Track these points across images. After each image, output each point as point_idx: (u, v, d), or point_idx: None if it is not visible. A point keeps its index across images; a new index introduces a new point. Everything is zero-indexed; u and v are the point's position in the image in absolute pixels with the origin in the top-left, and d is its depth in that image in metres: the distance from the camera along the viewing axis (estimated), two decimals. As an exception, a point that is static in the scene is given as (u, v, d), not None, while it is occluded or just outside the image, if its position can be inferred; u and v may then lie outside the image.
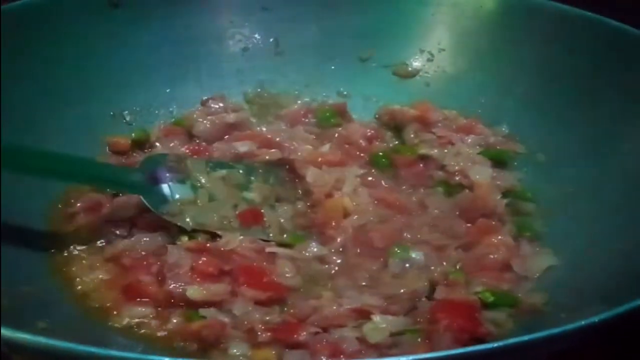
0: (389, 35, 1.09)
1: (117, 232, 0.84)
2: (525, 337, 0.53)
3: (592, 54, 0.96)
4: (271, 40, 1.11)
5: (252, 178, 0.91)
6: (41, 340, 0.52)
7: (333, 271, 0.83)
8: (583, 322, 0.56)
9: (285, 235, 0.86)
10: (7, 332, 0.55)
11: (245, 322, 0.73)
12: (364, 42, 1.10)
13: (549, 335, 0.54)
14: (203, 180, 0.88)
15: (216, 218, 0.85)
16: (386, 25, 1.09)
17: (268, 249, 0.82)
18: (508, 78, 1.03)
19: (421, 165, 0.96)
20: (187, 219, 0.83)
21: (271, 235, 0.86)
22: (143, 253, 0.81)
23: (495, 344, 0.53)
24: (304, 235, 0.86)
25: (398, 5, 1.09)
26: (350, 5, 1.10)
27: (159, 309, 0.76)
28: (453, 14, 1.08)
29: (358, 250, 0.85)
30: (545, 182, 0.94)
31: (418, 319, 0.74)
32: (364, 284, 0.81)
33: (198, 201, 0.86)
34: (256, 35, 1.11)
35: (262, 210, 0.88)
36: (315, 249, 0.84)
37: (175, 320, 0.75)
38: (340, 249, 0.85)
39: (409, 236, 0.86)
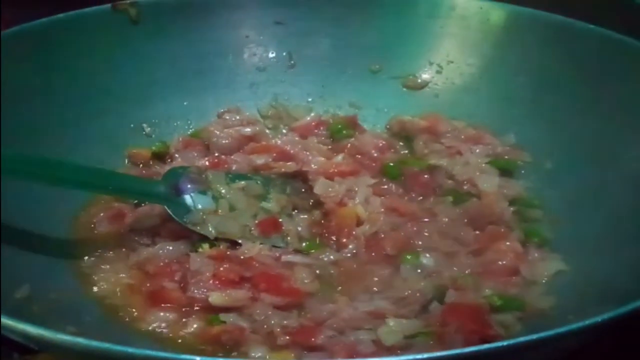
0: (398, 48, 1.13)
1: (141, 240, 0.87)
2: (534, 336, 0.55)
3: (597, 65, 0.99)
4: (285, 53, 1.14)
5: (270, 189, 0.94)
6: (81, 341, 0.55)
7: (347, 277, 0.86)
8: (592, 321, 0.58)
9: (303, 244, 0.89)
10: (46, 333, 0.58)
11: (265, 326, 0.76)
12: (375, 55, 1.13)
13: (558, 333, 0.57)
14: (223, 191, 0.91)
15: (237, 227, 0.88)
16: (396, 39, 1.12)
17: (284, 258, 0.86)
18: (515, 88, 1.06)
19: (430, 175, 0.99)
20: (210, 228, 0.87)
21: (290, 242, 0.89)
22: (166, 261, 0.84)
23: (505, 343, 0.55)
24: (320, 242, 0.90)
25: (407, 19, 1.12)
26: (361, 20, 1.13)
27: (182, 313, 0.79)
28: (461, 26, 1.11)
29: (370, 257, 0.88)
30: (552, 189, 0.96)
31: (430, 322, 0.77)
32: (375, 289, 0.83)
33: (219, 211, 0.89)
34: (270, 49, 1.14)
35: (280, 220, 0.91)
36: (331, 256, 0.87)
37: (196, 325, 0.78)
38: (353, 256, 0.88)
39: (419, 243, 0.89)
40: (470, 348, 0.56)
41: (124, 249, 0.86)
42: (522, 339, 0.56)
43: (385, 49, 1.13)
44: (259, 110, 1.13)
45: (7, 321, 0.59)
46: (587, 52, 1.00)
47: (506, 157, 1.02)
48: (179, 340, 0.76)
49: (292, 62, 1.15)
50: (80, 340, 0.56)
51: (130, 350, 0.55)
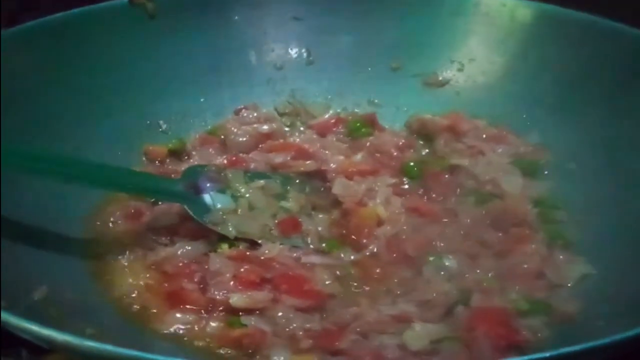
0: (419, 45, 1.11)
1: (159, 240, 0.86)
2: (578, 347, 0.54)
3: (622, 65, 0.97)
4: (303, 50, 1.13)
5: (289, 188, 0.93)
6: (105, 347, 0.54)
7: (368, 278, 0.84)
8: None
9: (323, 244, 0.88)
10: (69, 338, 0.57)
11: (287, 329, 0.75)
12: (395, 52, 1.11)
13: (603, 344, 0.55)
14: (242, 190, 0.89)
15: (257, 227, 0.87)
16: (417, 36, 1.10)
17: (304, 259, 0.84)
18: (538, 88, 1.04)
19: (451, 175, 0.97)
20: (230, 228, 0.85)
21: (309, 243, 0.87)
22: (185, 261, 0.83)
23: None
24: (340, 243, 0.88)
25: (429, 16, 1.11)
26: (381, 16, 1.11)
27: (202, 315, 0.77)
28: (484, 24, 1.09)
29: (391, 258, 0.86)
30: (576, 191, 0.94)
31: (456, 326, 0.75)
32: (397, 291, 0.82)
33: (239, 210, 0.87)
34: (288, 45, 1.13)
35: (300, 219, 0.89)
36: (351, 256, 0.86)
37: (216, 327, 0.76)
38: (374, 256, 0.86)
39: (441, 245, 0.87)
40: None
41: (142, 249, 0.85)
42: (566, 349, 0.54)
43: (405, 46, 1.11)
44: (277, 108, 1.11)
45: (22, 323, 0.59)
46: (614, 51, 0.98)
47: (529, 157, 1.00)
48: (199, 343, 0.75)
49: (311, 58, 1.13)
50: (95, 344, 0.55)
51: (146, 355, 0.53)
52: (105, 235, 0.87)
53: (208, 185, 0.88)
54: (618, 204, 0.89)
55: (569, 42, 1.03)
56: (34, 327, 0.58)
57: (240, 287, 0.78)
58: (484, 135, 1.03)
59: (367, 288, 0.83)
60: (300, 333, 0.74)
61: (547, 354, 0.54)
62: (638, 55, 0.96)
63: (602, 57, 0.99)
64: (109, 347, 0.56)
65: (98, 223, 0.88)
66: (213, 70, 1.08)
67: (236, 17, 1.10)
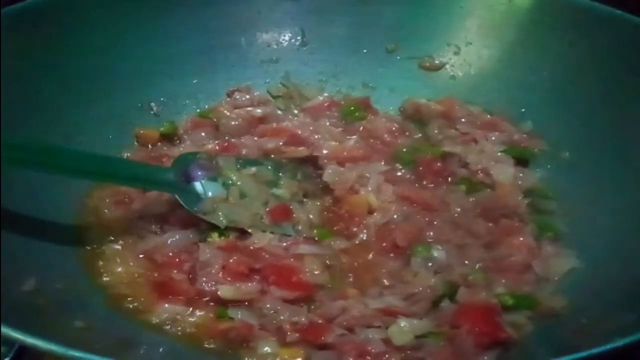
0: (416, 27, 1.09)
1: (149, 228, 0.86)
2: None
3: (620, 53, 0.96)
4: (297, 31, 1.11)
5: (281, 174, 0.93)
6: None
7: (357, 267, 0.84)
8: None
9: (314, 231, 0.88)
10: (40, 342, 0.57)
11: (274, 322, 0.76)
12: (391, 34, 1.10)
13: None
14: (234, 178, 0.89)
15: (248, 215, 0.87)
16: (413, 18, 1.09)
17: (294, 248, 0.84)
18: (534, 74, 1.03)
19: (444, 162, 0.97)
20: (221, 217, 0.85)
21: (300, 230, 0.88)
22: (175, 250, 0.83)
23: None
24: (331, 230, 0.88)
25: (426, -2, 1.09)
26: (377, -3, 1.10)
27: (190, 305, 0.78)
28: (482, 7, 1.08)
29: (381, 247, 0.86)
30: (569, 180, 0.94)
31: (441, 322, 0.76)
32: (385, 282, 0.82)
33: (230, 199, 0.87)
34: (282, 26, 1.11)
35: (291, 207, 0.89)
36: (341, 244, 0.86)
37: (204, 318, 0.77)
38: (364, 245, 0.87)
39: (430, 234, 0.88)
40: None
41: (131, 237, 0.85)
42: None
43: (401, 28, 1.09)
44: (270, 90, 1.10)
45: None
46: (611, 38, 0.97)
47: (522, 145, 1.00)
48: (186, 334, 0.75)
49: (305, 40, 1.11)
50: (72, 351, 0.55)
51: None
52: (94, 222, 0.87)
53: (199, 173, 0.88)
54: (610, 195, 0.89)
55: (567, 28, 1.01)
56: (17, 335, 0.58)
57: (229, 278, 0.79)
58: (478, 122, 1.03)
59: (355, 277, 0.83)
60: (287, 326, 0.75)
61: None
62: (637, 43, 0.94)
63: (600, 45, 0.98)
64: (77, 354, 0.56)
65: (87, 210, 0.88)
66: (206, 51, 1.07)
67: (230, -3, 1.08)
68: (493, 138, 1.00)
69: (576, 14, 1.00)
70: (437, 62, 1.10)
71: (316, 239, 0.87)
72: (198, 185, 0.87)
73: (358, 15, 1.10)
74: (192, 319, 0.77)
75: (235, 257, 0.81)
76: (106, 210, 0.88)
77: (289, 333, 0.74)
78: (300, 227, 0.89)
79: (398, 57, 1.10)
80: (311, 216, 0.90)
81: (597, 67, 0.97)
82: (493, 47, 1.07)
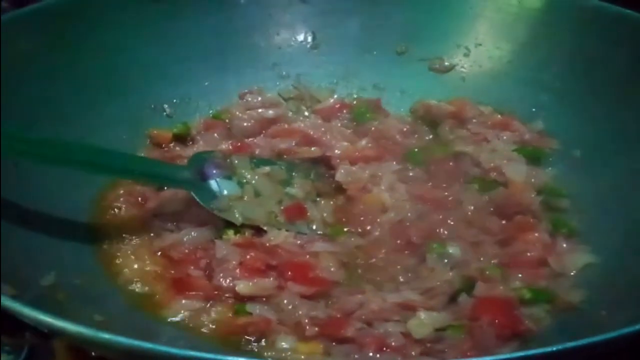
0: (426, 29, 1.10)
1: (165, 226, 0.86)
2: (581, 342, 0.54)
3: (631, 51, 0.96)
4: (309, 33, 1.12)
5: (294, 174, 0.93)
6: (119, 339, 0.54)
7: (372, 265, 0.84)
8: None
9: (328, 230, 0.88)
10: (74, 327, 0.57)
11: (292, 317, 0.76)
12: (401, 36, 1.11)
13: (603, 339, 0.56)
14: (248, 177, 0.90)
15: (263, 213, 0.87)
16: (423, 19, 1.10)
17: (309, 246, 0.84)
18: (545, 74, 1.03)
19: (456, 162, 0.97)
20: (237, 214, 0.85)
21: (315, 229, 0.88)
22: (191, 247, 0.83)
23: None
24: (345, 229, 0.88)
25: (436, 0, 1.10)
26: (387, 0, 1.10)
27: (207, 302, 0.78)
28: (492, 8, 1.08)
29: (395, 244, 0.86)
30: (581, 178, 0.94)
31: (459, 315, 0.76)
32: (401, 278, 0.82)
33: (245, 197, 0.88)
34: (294, 28, 1.12)
35: (305, 206, 0.90)
36: (356, 243, 0.86)
37: (222, 314, 0.76)
38: (378, 243, 0.87)
39: (445, 232, 0.87)
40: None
41: (147, 235, 0.85)
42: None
43: (412, 30, 1.10)
44: (281, 92, 1.10)
45: (29, 311, 0.59)
46: (621, 37, 0.97)
47: (534, 144, 1.00)
48: (204, 330, 0.75)
49: (316, 41, 1.12)
50: (104, 334, 0.55)
51: (152, 346, 0.54)
52: (111, 220, 0.87)
53: (214, 171, 0.88)
54: (623, 192, 0.89)
55: (577, 28, 1.02)
56: (39, 315, 0.58)
57: (246, 274, 0.78)
58: (489, 122, 1.03)
59: (371, 275, 0.83)
60: (306, 320, 0.75)
61: (552, 349, 0.54)
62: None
63: (610, 45, 0.98)
64: (108, 337, 0.56)
65: (103, 208, 0.88)
66: (218, 53, 1.07)
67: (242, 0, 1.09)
68: (504, 138, 1.00)
69: (585, 14, 1.01)
70: (447, 63, 1.11)
71: (330, 237, 0.87)
72: (213, 183, 0.88)
73: (368, 17, 1.11)
74: (211, 315, 0.76)
75: (252, 254, 0.81)
76: (122, 209, 0.88)
77: (307, 327, 0.74)
78: (314, 226, 0.89)
79: (408, 59, 1.11)
80: (325, 215, 0.90)
81: (606, 67, 0.98)
82: (503, 48, 1.08)
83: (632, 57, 0.96)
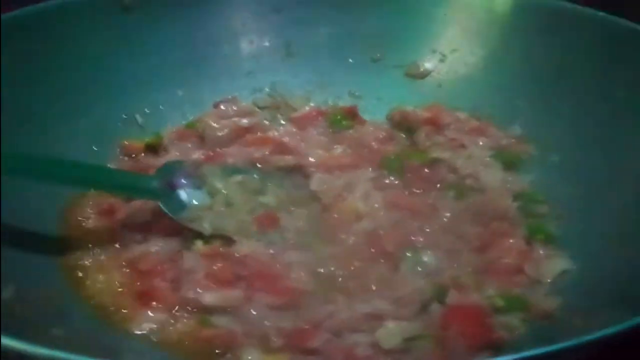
0: (401, 35, 1.09)
1: (133, 237, 0.84)
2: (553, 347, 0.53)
3: (605, 54, 0.96)
4: (283, 41, 1.11)
5: (268, 183, 0.92)
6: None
7: (345, 274, 0.83)
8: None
9: (301, 239, 0.86)
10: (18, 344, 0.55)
11: (259, 328, 0.74)
12: (376, 43, 1.10)
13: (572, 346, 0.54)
14: (220, 186, 0.88)
15: (234, 223, 0.86)
16: (398, 26, 1.09)
17: (281, 255, 0.83)
18: (520, 79, 1.02)
19: (432, 168, 0.96)
20: (205, 225, 0.84)
21: (287, 238, 0.86)
22: (158, 258, 0.81)
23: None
24: (318, 238, 0.87)
25: (410, 6, 1.09)
26: (361, 6, 1.10)
27: (173, 314, 0.76)
28: (465, 14, 1.08)
29: (370, 253, 0.85)
30: (559, 183, 0.93)
31: (430, 324, 0.75)
32: (374, 287, 0.81)
33: (215, 206, 0.86)
34: (268, 37, 1.11)
35: (278, 215, 0.88)
36: (328, 251, 0.84)
37: (188, 326, 0.75)
38: (352, 252, 0.85)
39: (420, 240, 0.86)
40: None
41: (114, 246, 0.84)
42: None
43: (386, 37, 1.09)
44: (256, 101, 1.09)
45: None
46: (596, 40, 0.97)
47: (511, 149, 0.99)
48: (171, 343, 0.74)
49: (291, 50, 1.11)
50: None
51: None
52: (77, 231, 0.86)
53: (184, 181, 0.87)
54: (601, 197, 0.88)
55: (550, 32, 1.01)
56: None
57: (213, 285, 0.77)
58: (466, 128, 1.02)
59: (344, 284, 0.81)
60: (273, 332, 0.73)
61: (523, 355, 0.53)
62: (621, 44, 0.94)
63: (584, 47, 0.97)
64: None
65: (70, 219, 0.87)
66: (191, 63, 1.07)
67: (214, 9, 1.08)
68: (481, 143, 0.99)
69: (557, 16, 1.01)
70: (422, 69, 1.10)
71: (303, 246, 0.86)
72: (182, 193, 0.86)
73: (342, 25, 1.10)
74: (176, 327, 0.75)
75: (219, 265, 0.79)
76: (89, 220, 0.87)
77: (274, 339, 0.72)
78: (287, 235, 0.87)
79: (384, 66, 1.10)
80: (299, 224, 0.89)
81: (581, 69, 0.97)
82: (478, 54, 1.07)
83: (607, 60, 0.95)
